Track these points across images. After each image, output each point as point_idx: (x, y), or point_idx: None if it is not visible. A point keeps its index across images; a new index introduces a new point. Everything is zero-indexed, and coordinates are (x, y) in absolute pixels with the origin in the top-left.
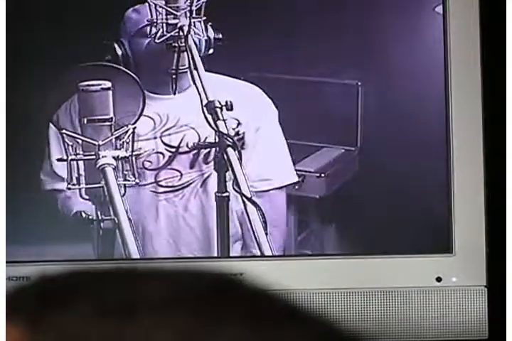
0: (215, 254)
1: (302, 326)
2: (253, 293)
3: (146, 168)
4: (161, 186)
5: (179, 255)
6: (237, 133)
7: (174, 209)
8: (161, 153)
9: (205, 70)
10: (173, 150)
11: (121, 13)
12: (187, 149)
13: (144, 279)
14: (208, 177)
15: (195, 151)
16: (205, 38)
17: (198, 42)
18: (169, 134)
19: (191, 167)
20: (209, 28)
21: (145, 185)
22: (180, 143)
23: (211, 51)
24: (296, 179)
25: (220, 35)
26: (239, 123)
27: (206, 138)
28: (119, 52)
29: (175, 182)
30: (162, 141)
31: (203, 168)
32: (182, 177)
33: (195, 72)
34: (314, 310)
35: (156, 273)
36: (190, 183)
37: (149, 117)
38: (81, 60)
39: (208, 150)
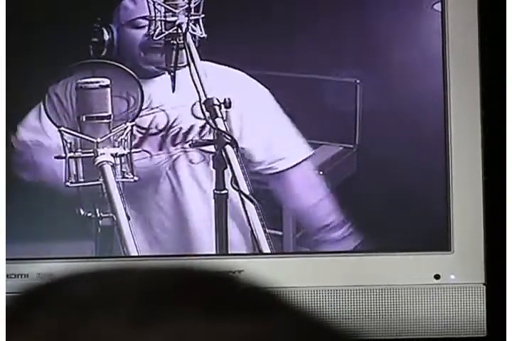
0: (214, 252)
1: (292, 322)
2: (245, 289)
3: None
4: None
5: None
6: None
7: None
8: (133, 134)
9: (201, 59)
10: (144, 131)
11: (118, 0)
12: (156, 131)
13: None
14: (177, 158)
15: (164, 133)
16: (204, 35)
17: (196, 41)
18: (141, 116)
19: (160, 148)
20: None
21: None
22: (150, 124)
23: (211, 50)
24: (311, 152)
25: (219, 35)
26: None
27: (175, 119)
28: (106, 37)
29: (146, 164)
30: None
31: (170, 149)
32: (152, 159)
33: (193, 70)
34: (304, 306)
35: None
36: (160, 165)
37: (124, 99)
38: (69, 42)
39: (176, 132)
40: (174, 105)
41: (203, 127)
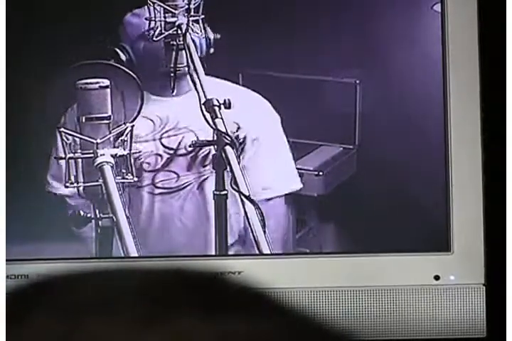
0: (213, 253)
1: (284, 323)
2: (241, 289)
3: (144, 170)
4: (158, 187)
5: (175, 254)
6: (237, 138)
7: (170, 209)
8: (159, 154)
9: (204, 70)
10: (172, 152)
11: (120, 18)
12: (185, 151)
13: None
14: (205, 179)
15: (193, 154)
16: (203, 36)
17: (197, 42)
18: (168, 136)
19: (188, 169)
20: (207, 28)
21: (142, 186)
22: (179, 145)
23: (211, 50)
24: (299, 186)
25: (219, 36)
26: (238, 128)
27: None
28: (123, 57)
29: (172, 184)
30: (161, 143)
31: (200, 170)
32: (179, 180)
33: (193, 71)
34: (303, 308)
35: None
36: (187, 185)
37: (149, 119)
38: (70, 42)
39: (205, 152)
40: (203, 125)
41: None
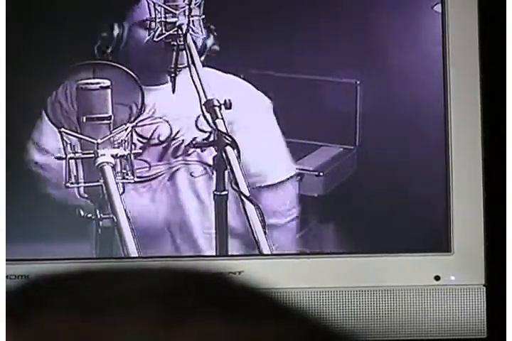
0: (214, 253)
1: (288, 323)
2: (242, 291)
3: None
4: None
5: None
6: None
7: (140, 199)
8: (133, 143)
9: (203, 66)
10: (145, 141)
11: (134, 2)
12: (157, 141)
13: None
14: (177, 170)
15: (166, 144)
16: (204, 36)
17: (198, 43)
18: (143, 125)
19: (160, 159)
20: (212, 34)
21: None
22: (152, 134)
23: (213, 50)
24: (294, 172)
25: (217, 47)
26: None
27: (178, 131)
28: (116, 32)
29: (143, 174)
30: (135, 131)
31: (171, 161)
32: (150, 169)
33: (193, 71)
34: (303, 307)
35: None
36: (158, 176)
37: (127, 106)
38: (70, 42)
39: (178, 143)
40: (178, 116)
41: (206, 139)
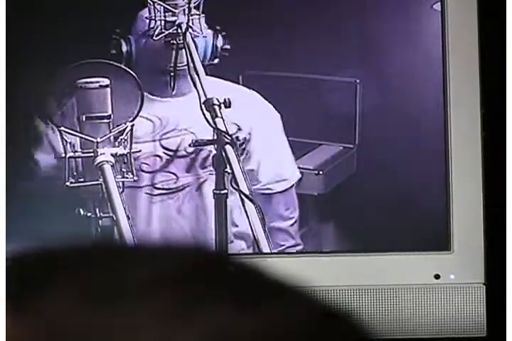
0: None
1: (284, 305)
2: (244, 273)
3: (143, 170)
4: (157, 188)
5: None
6: (237, 138)
7: (168, 210)
8: (158, 156)
9: (204, 69)
10: (171, 153)
11: (135, 12)
12: (184, 153)
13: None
14: (205, 181)
15: (193, 156)
16: (205, 37)
17: (199, 44)
18: (168, 138)
19: (188, 171)
20: (219, 36)
21: (141, 187)
22: (179, 146)
23: (224, 49)
24: (299, 176)
25: (228, 46)
26: (239, 129)
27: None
28: (124, 49)
29: (171, 185)
30: (161, 144)
31: (199, 172)
32: (178, 181)
33: (193, 70)
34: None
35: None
36: (186, 187)
37: (149, 120)
38: (86, 53)
39: (205, 155)
40: (204, 127)
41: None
